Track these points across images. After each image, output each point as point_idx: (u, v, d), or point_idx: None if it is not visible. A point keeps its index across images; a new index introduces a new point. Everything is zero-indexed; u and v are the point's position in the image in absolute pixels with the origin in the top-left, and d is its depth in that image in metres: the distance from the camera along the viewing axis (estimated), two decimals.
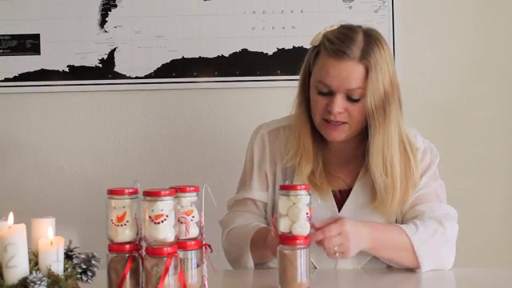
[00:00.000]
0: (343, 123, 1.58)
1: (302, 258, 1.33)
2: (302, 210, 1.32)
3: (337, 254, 1.44)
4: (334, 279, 1.51)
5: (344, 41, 1.54)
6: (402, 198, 1.60)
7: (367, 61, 1.53)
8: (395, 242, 1.54)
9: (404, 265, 1.57)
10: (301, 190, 1.33)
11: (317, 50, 1.60)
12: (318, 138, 1.65)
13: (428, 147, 1.70)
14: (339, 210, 1.63)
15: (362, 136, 1.63)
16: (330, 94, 1.56)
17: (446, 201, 1.70)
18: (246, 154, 1.77)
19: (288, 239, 1.33)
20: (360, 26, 1.60)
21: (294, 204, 1.32)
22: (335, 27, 1.60)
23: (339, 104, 1.55)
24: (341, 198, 1.65)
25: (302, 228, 1.33)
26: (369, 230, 1.51)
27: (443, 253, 1.58)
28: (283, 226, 1.33)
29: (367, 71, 1.54)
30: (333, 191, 1.65)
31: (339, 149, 1.68)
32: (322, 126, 1.60)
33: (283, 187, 1.36)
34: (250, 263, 1.60)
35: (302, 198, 1.33)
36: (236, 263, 1.65)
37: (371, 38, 1.56)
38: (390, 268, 1.60)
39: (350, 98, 1.56)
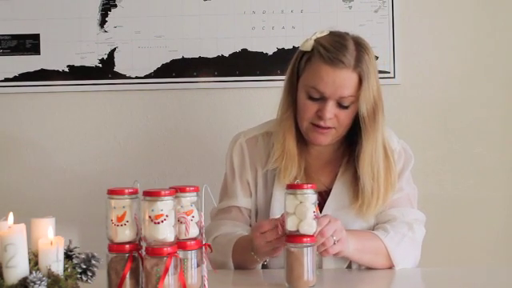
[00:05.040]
0: (330, 128, 1.60)
1: (308, 256, 1.35)
2: (309, 209, 1.34)
3: (335, 242, 1.43)
4: (320, 279, 1.50)
5: (339, 49, 1.56)
6: (383, 199, 1.63)
7: (361, 69, 1.56)
8: (373, 247, 1.58)
9: (377, 267, 1.60)
10: (308, 188, 1.35)
11: (308, 55, 1.61)
12: (301, 142, 1.67)
13: (402, 149, 1.72)
14: (320, 211, 1.64)
15: (343, 138, 1.67)
16: (321, 99, 1.58)
17: (417, 205, 1.74)
18: (225, 164, 1.78)
19: (295, 237, 1.34)
20: (348, 33, 1.62)
21: (301, 203, 1.34)
22: (325, 33, 1.62)
23: (331, 110, 1.57)
24: (321, 200, 1.66)
25: (309, 226, 1.35)
26: (350, 236, 1.52)
27: (412, 255, 1.64)
28: (290, 225, 1.35)
29: (360, 79, 1.56)
30: None
31: (320, 152, 1.70)
32: (310, 130, 1.62)
33: (290, 186, 1.37)
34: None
35: (309, 196, 1.35)
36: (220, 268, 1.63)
37: (361, 46, 1.58)
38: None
39: (340, 105, 1.58)
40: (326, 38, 1.60)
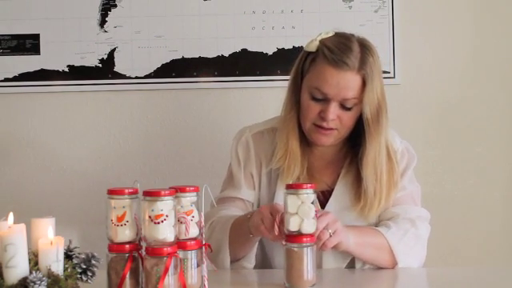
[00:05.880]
0: (333, 129, 1.60)
1: (308, 255, 1.35)
2: (311, 208, 1.34)
3: (330, 234, 1.43)
4: (320, 279, 1.50)
5: (344, 51, 1.55)
6: (385, 200, 1.64)
7: (365, 71, 1.56)
8: (374, 242, 1.57)
9: (380, 264, 1.59)
10: (308, 188, 1.35)
11: (313, 56, 1.60)
12: (304, 142, 1.67)
13: (405, 149, 1.73)
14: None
15: (346, 139, 1.67)
16: (324, 100, 1.58)
17: (421, 203, 1.74)
18: (230, 157, 1.77)
19: (295, 237, 1.35)
20: (353, 35, 1.62)
21: (303, 202, 1.34)
22: (331, 34, 1.62)
23: (334, 112, 1.57)
24: (324, 199, 1.66)
25: (311, 226, 1.35)
26: (351, 231, 1.52)
27: (416, 251, 1.63)
28: (293, 225, 1.34)
29: (364, 82, 1.56)
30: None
31: (323, 152, 1.71)
32: (313, 130, 1.62)
33: (291, 186, 1.37)
34: (227, 254, 1.58)
35: (310, 196, 1.35)
36: (215, 256, 1.60)
37: (366, 48, 1.58)
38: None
39: (343, 106, 1.58)
40: (330, 39, 1.59)
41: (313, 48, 1.60)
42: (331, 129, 1.60)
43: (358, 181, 1.64)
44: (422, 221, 1.66)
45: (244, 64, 2.25)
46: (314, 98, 1.59)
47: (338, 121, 1.59)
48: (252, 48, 2.25)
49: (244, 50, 2.25)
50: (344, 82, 1.55)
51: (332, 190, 1.68)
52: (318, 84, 1.57)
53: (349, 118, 1.60)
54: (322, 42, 1.60)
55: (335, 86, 1.55)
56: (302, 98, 1.62)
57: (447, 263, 2.21)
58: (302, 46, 2.18)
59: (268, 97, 2.24)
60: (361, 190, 1.63)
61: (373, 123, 1.59)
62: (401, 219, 1.63)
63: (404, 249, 1.58)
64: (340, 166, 1.70)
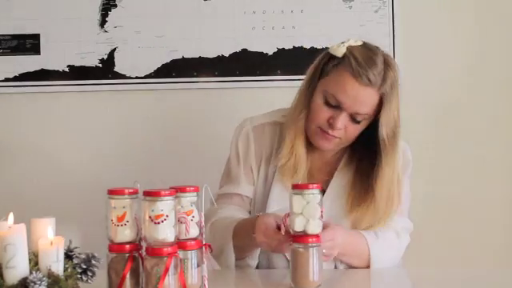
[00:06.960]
0: (336, 137, 1.60)
1: (314, 256, 1.34)
2: (317, 209, 1.34)
3: (323, 257, 1.43)
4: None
5: (370, 65, 1.53)
6: (388, 214, 1.63)
7: (384, 90, 1.54)
8: (358, 250, 1.58)
9: (353, 266, 1.60)
10: (314, 188, 1.35)
11: (338, 61, 1.57)
12: (309, 144, 1.66)
13: (401, 152, 1.69)
14: None
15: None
16: (337, 108, 1.56)
17: (408, 213, 1.74)
18: (230, 150, 1.77)
19: (301, 237, 1.34)
20: (378, 48, 1.60)
21: (308, 203, 1.34)
22: (359, 43, 1.59)
23: (342, 121, 1.56)
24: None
25: (316, 226, 1.34)
26: (346, 236, 1.53)
27: (392, 262, 1.64)
28: (298, 225, 1.34)
29: (381, 100, 1.55)
30: None
31: (325, 153, 1.70)
32: (317, 133, 1.62)
33: (297, 186, 1.37)
34: (232, 256, 1.57)
35: (316, 196, 1.35)
36: (218, 256, 1.61)
37: (389, 67, 1.56)
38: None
39: (353, 119, 1.57)
40: (358, 50, 1.56)
41: (339, 53, 1.57)
42: (335, 136, 1.60)
43: (353, 181, 1.65)
44: (405, 233, 1.68)
45: (244, 64, 2.25)
46: (327, 103, 1.57)
47: (343, 131, 1.58)
48: (252, 48, 2.25)
49: (244, 50, 2.25)
50: (362, 97, 1.53)
51: (326, 188, 1.67)
52: (335, 91, 1.55)
53: (354, 130, 1.59)
54: (349, 49, 1.57)
55: (352, 98, 1.54)
56: (315, 99, 1.60)
57: (447, 263, 2.21)
58: (301, 46, 2.20)
59: (268, 97, 2.23)
60: (354, 193, 1.63)
61: (389, 143, 1.58)
62: (387, 229, 1.63)
63: (381, 259, 1.59)
64: (337, 164, 1.70)
